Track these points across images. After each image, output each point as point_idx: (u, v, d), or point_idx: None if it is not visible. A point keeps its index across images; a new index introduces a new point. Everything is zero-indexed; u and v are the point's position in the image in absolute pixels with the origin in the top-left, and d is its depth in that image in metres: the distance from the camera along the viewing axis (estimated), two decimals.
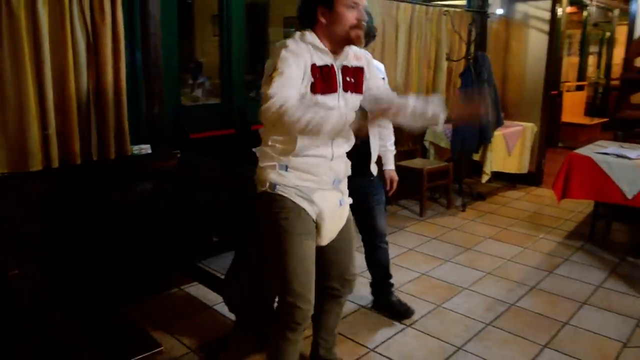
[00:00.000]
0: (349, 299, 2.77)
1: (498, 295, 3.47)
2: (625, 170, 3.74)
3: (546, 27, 6.27)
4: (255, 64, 5.55)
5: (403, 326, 3.07)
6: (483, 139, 5.03)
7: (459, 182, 5.36)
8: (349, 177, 2.30)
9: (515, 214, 5.24)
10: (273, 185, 2.06)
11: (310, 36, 2.01)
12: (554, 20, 6.23)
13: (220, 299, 3.07)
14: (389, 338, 2.96)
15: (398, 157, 5.19)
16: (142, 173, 3.18)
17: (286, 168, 2.06)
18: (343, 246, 2.28)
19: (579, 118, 9.13)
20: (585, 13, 9.46)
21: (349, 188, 2.30)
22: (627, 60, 5.58)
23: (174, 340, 2.89)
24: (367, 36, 2.18)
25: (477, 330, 3.04)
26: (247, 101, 4.12)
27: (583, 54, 9.96)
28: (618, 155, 3.89)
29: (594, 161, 3.89)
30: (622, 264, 4.02)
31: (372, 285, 3.26)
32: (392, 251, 4.11)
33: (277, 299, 2.15)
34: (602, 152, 4.02)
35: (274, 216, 2.07)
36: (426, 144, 5.48)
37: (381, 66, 3.00)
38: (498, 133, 5.34)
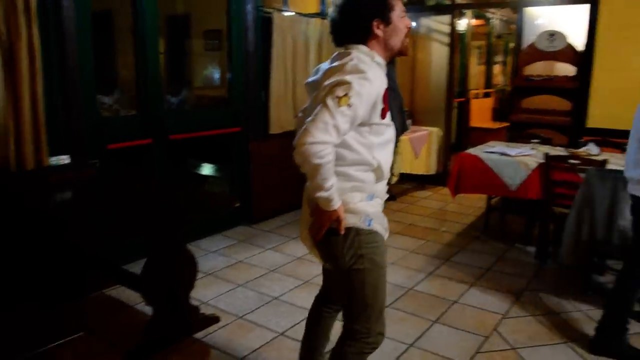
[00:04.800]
0: None
1: (399, 282, 3.86)
2: (507, 165, 4.23)
3: (448, 40, 6.84)
4: (176, 75, 5.75)
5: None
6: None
7: None
8: None
9: (422, 211, 5.70)
10: (368, 220, 1.93)
11: (377, 56, 1.90)
12: (453, 33, 6.81)
13: (140, 298, 3.27)
14: (297, 323, 3.25)
15: None
16: (61, 182, 3.33)
17: (372, 197, 1.97)
18: None
19: (487, 123, 9.83)
20: (489, 26, 10.22)
21: None
22: (517, 69, 6.19)
23: (95, 338, 3.07)
24: None
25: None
26: (164, 111, 4.33)
27: (489, 63, 10.73)
28: (501, 153, 4.38)
29: (481, 159, 4.37)
30: (510, 249, 4.52)
31: None
32: (305, 249, 4.46)
33: (359, 327, 2.03)
34: (488, 151, 4.52)
35: (368, 251, 1.94)
36: None
37: None
38: (404, 138, 5.79)
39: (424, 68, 7.30)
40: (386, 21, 1.89)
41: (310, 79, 2.06)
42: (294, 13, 5.32)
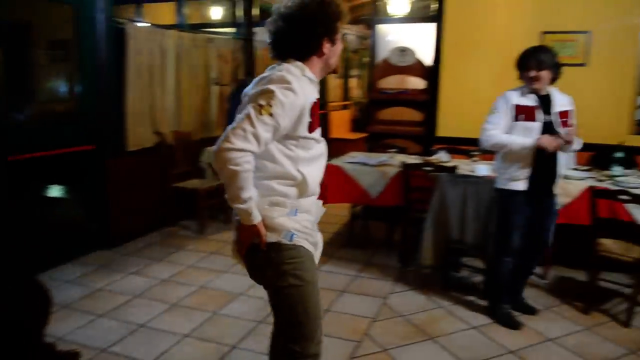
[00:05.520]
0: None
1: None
2: (368, 174, 4.39)
3: None
4: (17, 87, 5.20)
5: (180, 337, 3.23)
6: None
7: None
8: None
9: None
10: (290, 235, 1.89)
11: (307, 70, 1.89)
12: None
13: None
14: (166, 351, 3.09)
15: (175, 179, 5.34)
16: None
17: (296, 212, 1.92)
18: None
19: (346, 133, 10.21)
20: (345, 41, 10.66)
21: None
22: (372, 82, 6.51)
23: None
24: None
25: (251, 329, 3.33)
26: (2, 129, 3.90)
27: (346, 77, 11.18)
28: (362, 163, 4.55)
29: (343, 169, 4.50)
30: (375, 255, 4.69)
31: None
32: (172, 270, 4.28)
33: (294, 347, 1.97)
34: (350, 161, 4.67)
35: (291, 267, 1.89)
36: (202, 164, 5.69)
37: None
38: None
39: None
40: (332, 42, 1.93)
41: (244, 92, 2.01)
42: (149, 24, 5.11)
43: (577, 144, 3.23)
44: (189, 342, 3.18)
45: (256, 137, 1.71)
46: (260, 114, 1.72)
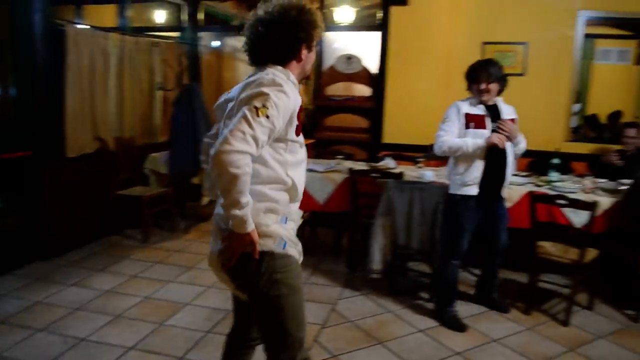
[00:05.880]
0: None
1: (218, 304, 3.76)
2: (316, 181, 4.40)
3: None
4: None
5: (124, 350, 3.12)
6: (200, 163, 5.30)
7: (181, 206, 5.56)
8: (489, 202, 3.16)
9: None
10: (283, 244, 1.87)
11: (291, 75, 1.91)
12: None
13: None
14: None
15: (118, 186, 5.20)
16: None
17: (286, 219, 1.92)
18: None
19: None
20: None
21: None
22: (319, 89, 6.54)
23: None
24: None
25: (198, 339, 3.26)
26: None
27: None
28: (310, 170, 4.55)
29: None
30: (323, 261, 4.70)
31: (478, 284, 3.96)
32: (115, 280, 4.14)
33: (283, 356, 1.95)
34: None
35: (284, 276, 1.88)
36: (146, 171, 5.56)
37: None
38: None
39: (231, 87, 7.30)
40: (309, 48, 1.97)
41: (223, 98, 1.99)
42: (89, 27, 4.95)
43: (523, 143, 3.46)
44: (134, 355, 3.08)
45: (255, 139, 1.69)
46: (257, 115, 1.69)
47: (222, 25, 7.80)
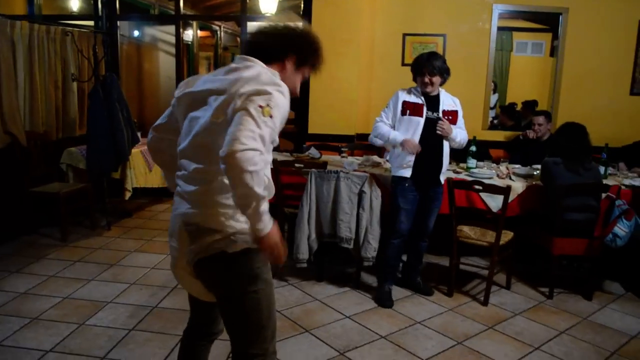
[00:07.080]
0: None
1: (141, 301, 3.66)
2: None
3: (175, 50, 6.76)
4: None
5: (42, 353, 2.98)
6: (120, 157, 5.13)
7: (102, 202, 5.36)
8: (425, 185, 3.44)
9: (161, 225, 5.54)
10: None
11: (278, 76, 1.84)
12: (179, 44, 6.75)
13: None
14: None
15: (32, 183, 4.93)
16: None
17: None
18: None
19: None
20: (216, 37, 10.48)
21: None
22: None
23: None
24: None
25: (120, 337, 3.16)
26: None
27: None
28: None
29: None
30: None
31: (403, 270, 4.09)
32: (31, 281, 3.95)
33: (255, 351, 1.92)
34: None
35: (261, 270, 1.86)
36: (63, 166, 5.30)
37: None
38: (136, 151, 5.53)
39: (152, 79, 7.12)
40: (298, 64, 1.96)
41: (187, 90, 1.87)
42: None
43: (459, 137, 3.66)
44: (52, 357, 2.94)
45: (262, 138, 1.63)
46: (263, 115, 1.64)
47: (141, 14, 7.54)
